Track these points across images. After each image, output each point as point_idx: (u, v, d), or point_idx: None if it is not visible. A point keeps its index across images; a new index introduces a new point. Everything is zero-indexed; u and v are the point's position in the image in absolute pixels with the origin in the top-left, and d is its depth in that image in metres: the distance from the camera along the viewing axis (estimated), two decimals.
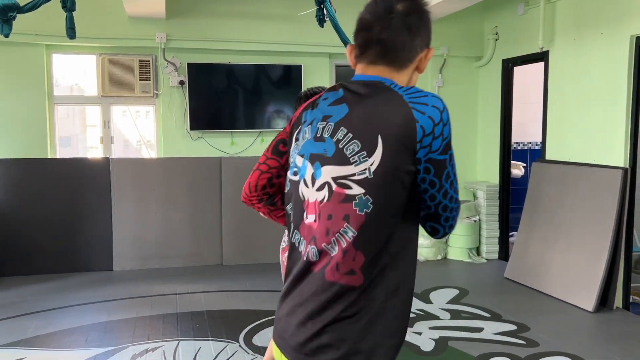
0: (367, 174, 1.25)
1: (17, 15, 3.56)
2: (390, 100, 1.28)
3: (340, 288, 1.28)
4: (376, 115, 1.27)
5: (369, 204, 1.26)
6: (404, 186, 1.26)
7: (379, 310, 1.30)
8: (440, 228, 1.38)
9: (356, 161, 1.26)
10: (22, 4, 3.59)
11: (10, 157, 5.45)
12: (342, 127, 1.31)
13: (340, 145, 1.30)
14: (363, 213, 1.26)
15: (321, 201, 1.32)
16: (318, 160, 1.33)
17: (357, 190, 1.26)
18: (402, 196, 1.27)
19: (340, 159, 1.29)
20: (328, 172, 1.31)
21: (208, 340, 3.88)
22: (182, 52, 5.82)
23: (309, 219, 1.34)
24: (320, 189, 1.32)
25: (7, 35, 3.60)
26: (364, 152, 1.26)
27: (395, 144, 1.23)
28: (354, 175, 1.27)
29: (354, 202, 1.27)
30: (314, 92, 2.39)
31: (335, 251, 1.29)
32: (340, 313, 1.28)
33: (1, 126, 5.49)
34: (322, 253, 1.31)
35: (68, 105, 6.23)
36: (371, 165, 1.25)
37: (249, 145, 6.06)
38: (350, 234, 1.27)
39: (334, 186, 1.30)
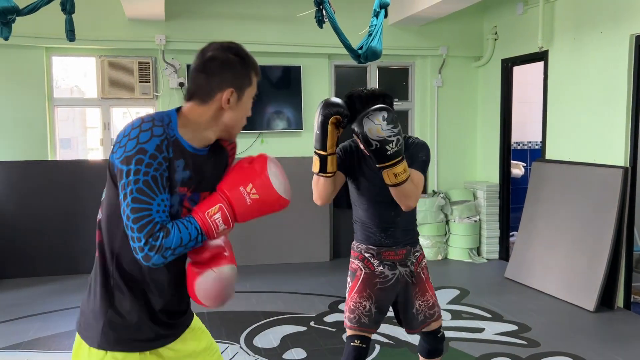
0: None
1: (17, 17, 3.57)
2: None
3: None
4: None
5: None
6: (115, 185, 1.50)
7: None
8: (133, 245, 1.47)
9: None
10: (21, 6, 3.59)
11: (10, 160, 5.45)
12: None
13: None
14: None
15: None
16: None
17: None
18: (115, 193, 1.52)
19: None
20: None
21: None
22: (182, 53, 5.83)
23: None
24: None
25: (6, 38, 3.61)
26: None
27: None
28: None
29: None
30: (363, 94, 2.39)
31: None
32: None
33: (1, 128, 5.48)
34: None
35: (68, 108, 6.22)
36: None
37: (249, 146, 6.06)
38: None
39: None
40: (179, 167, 1.52)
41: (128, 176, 1.43)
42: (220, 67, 1.56)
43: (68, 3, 3.82)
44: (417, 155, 2.36)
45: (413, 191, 2.24)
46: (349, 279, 2.54)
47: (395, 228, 2.47)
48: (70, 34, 3.99)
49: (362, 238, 2.53)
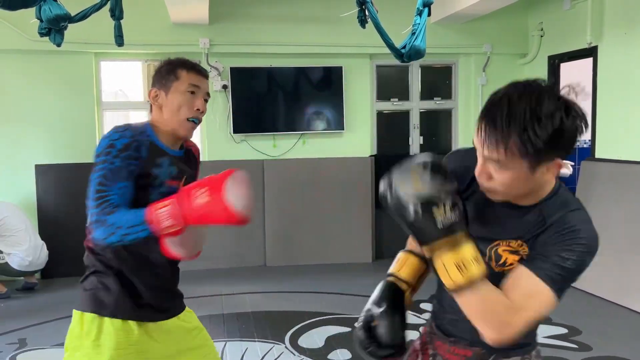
0: None
1: (68, 24, 3.68)
2: None
3: None
4: None
5: None
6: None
7: None
8: (89, 221, 1.67)
9: None
10: (72, 14, 3.70)
11: (61, 162, 5.63)
12: None
13: None
14: None
15: None
16: None
17: None
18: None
19: None
20: None
21: (254, 341, 3.91)
22: (225, 56, 5.90)
23: None
24: None
25: (59, 45, 3.73)
26: None
27: None
28: None
29: None
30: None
31: None
32: None
33: (53, 132, 5.67)
34: None
35: (114, 111, 6.39)
36: None
37: (291, 147, 6.09)
38: None
39: None
40: (165, 164, 1.78)
41: (97, 165, 1.68)
42: (153, 76, 1.88)
43: (117, 9, 3.92)
44: (561, 252, 1.25)
45: (498, 308, 1.23)
46: None
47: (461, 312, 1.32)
48: (119, 39, 4.09)
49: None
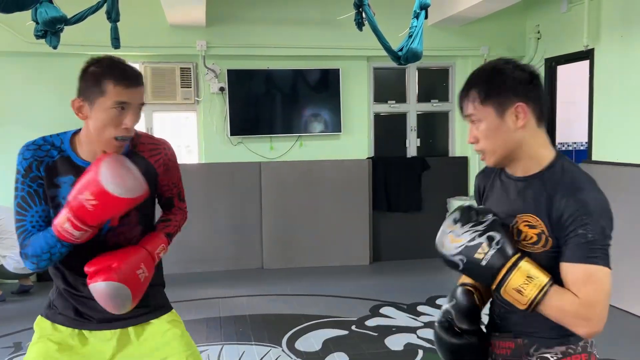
0: None
1: (64, 27, 3.67)
2: None
3: None
4: None
5: None
6: None
7: None
8: None
9: None
10: (68, 16, 3.69)
11: None
12: None
13: None
14: None
15: None
16: None
17: None
18: None
19: None
20: None
21: (251, 344, 3.90)
22: (222, 59, 5.89)
23: None
24: None
25: (55, 47, 3.71)
26: None
27: None
28: None
29: None
30: None
31: None
32: None
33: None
34: None
35: None
36: None
37: (288, 149, 6.09)
38: None
39: None
40: (66, 184, 1.67)
41: (13, 192, 1.68)
42: (79, 79, 1.69)
43: (113, 12, 3.91)
44: (577, 230, 1.35)
45: (574, 310, 1.34)
46: None
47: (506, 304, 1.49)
48: (116, 42, 4.07)
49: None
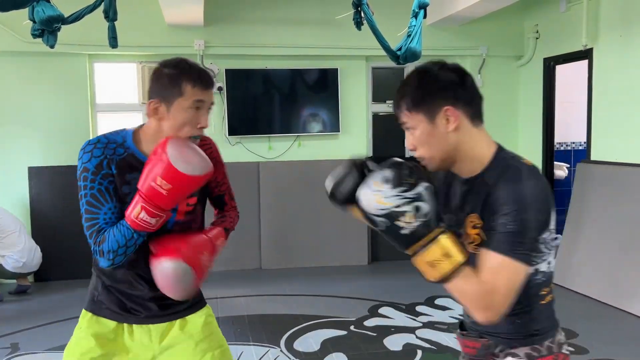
0: None
1: (62, 26, 3.65)
2: None
3: None
4: None
5: None
6: None
7: None
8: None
9: None
10: (66, 15, 3.68)
11: (55, 165, 5.59)
12: None
13: None
14: None
15: None
16: None
17: None
18: None
19: None
20: None
21: (250, 345, 3.89)
22: (220, 58, 5.88)
23: None
24: None
25: (52, 46, 3.70)
26: None
27: None
28: None
29: None
30: None
31: None
32: None
33: (46, 134, 5.63)
34: None
35: (109, 113, 6.35)
36: None
37: (286, 149, 6.07)
38: None
39: None
40: (135, 180, 1.66)
41: (79, 190, 1.68)
42: (152, 80, 1.70)
43: (111, 11, 3.90)
44: (499, 219, 1.33)
45: (476, 295, 1.32)
46: None
47: None
48: (113, 41, 4.07)
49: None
